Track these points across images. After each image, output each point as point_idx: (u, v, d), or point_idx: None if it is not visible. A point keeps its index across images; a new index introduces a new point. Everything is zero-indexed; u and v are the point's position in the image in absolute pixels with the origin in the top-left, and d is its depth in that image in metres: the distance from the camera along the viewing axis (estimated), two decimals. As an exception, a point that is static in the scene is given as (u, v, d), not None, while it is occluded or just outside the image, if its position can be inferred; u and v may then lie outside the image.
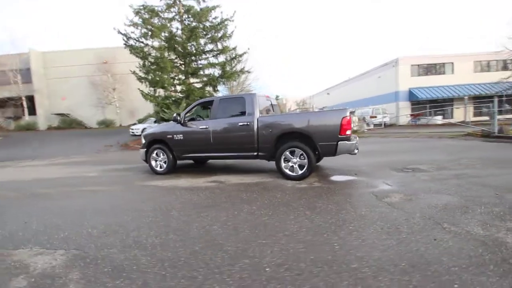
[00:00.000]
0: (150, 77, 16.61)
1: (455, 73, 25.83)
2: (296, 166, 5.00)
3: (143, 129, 20.59)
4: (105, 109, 29.55)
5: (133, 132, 20.32)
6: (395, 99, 25.99)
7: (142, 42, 17.01)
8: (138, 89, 16.80)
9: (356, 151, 4.87)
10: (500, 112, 22.21)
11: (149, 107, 25.46)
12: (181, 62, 17.85)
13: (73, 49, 30.19)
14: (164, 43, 15.70)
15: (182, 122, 5.90)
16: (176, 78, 18.03)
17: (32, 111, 29.37)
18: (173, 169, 6.26)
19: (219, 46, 17.65)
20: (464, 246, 2.24)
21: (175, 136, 5.95)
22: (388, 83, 26.66)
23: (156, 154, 6.30)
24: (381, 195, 3.83)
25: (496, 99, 10.87)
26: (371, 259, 2.10)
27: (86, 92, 29.29)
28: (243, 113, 5.41)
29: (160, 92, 17.90)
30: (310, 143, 4.89)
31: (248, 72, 19.89)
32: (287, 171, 5.06)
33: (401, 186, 4.26)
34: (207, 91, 17.93)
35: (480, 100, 21.29)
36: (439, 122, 20.02)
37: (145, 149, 6.40)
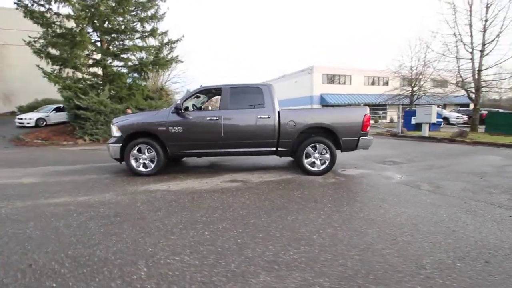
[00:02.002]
0: (58, 53, 12.89)
1: (352, 84, 31.49)
2: (317, 161, 4.97)
3: (38, 119, 15.83)
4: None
5: (21, 123, 15.31)
6: (310, 102, 29.46)
7: (44, 6, 12.99)
8: (38, 66, 12.76)
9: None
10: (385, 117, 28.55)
11: (34, 91, 19.83)
12: (100, 40, 14.62)
13: None
14: (82, 12, 12.42)
15: (181, 111, 4.85)
16: (92, 57, 14.68)
17: None
18: (162, 169, 5.09)
19: (147, 28, 15.44)
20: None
21: (171, 128, 4.84)
22: (304, 88, 29.95)
23: (139, 150, 4.97)
24: (411, 184, 4.29)
25: (400, 107, 13.93)
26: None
27: None
28: (260, 105, 4.95)
29: (69, 73, 14.19)
30: (333, 138, 4.96)
31: (181, 61, 18.25)
32: (308, 166, 4.97)
33: (411, 175, 4.90)
34: (135, 77, 15.42)
35: (372, 107, 26.74)
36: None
37: (121, 145, 4.93)
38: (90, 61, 14.68)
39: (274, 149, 4.99)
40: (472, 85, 14.31)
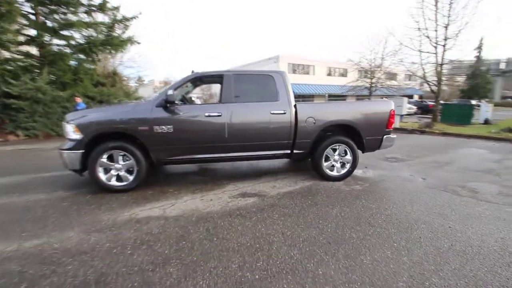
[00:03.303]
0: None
1: (315, 74, 31.81)
2: (337, 164, 4.24)
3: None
4: None
5: None
6: (276, 92, 28.92)
7: None
8: None
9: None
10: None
11: None
12: (34, 12, 11.73)
13: None
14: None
15: (171, 104, 3.61)
16: (23, 34, 11.76)
17: None
18: (143, 181, 3.82)
19: (95, 1, 12.92)
20: None
21: (156, 127, 3.59)
22: (270, 76, 29.22)
23: (110, 158, 3.63)
24: (445, 189, 3.82)
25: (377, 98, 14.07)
26: None
27: None
28: (273, 98, 3.97)
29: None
30: (355, 137, 4.25)
31: (138, 42, 15.88)
32: (328, 171, 4.21)
33: (430, 176, 4.48)
34: (80, 59, 12.89)
35: (334, 98, 27.37)
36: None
37: (82, 151, 3.53)
38: (22, 38, 11.73)
39: (289, 151, 4.10)
40: (435, 78, 15.10)
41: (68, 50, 12.64)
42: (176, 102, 3.69)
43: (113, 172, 3.67)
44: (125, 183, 3.70)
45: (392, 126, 4.35)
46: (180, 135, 3.69)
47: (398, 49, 21.32)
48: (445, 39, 14.45)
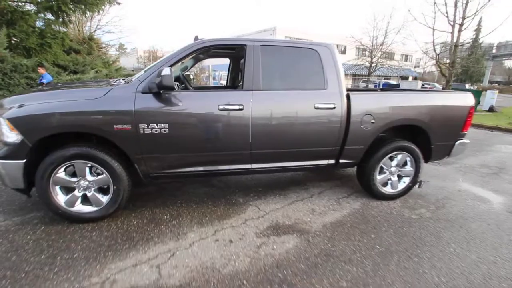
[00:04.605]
0: None
1: (313, 50, 29.94)
2: (393, 177, 3.13)
3: None
4: None
5: None
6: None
7: None
8: None
9: None
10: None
11: None
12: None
13: None
14: None
15: (165, 90, 2.28)
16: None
17: None
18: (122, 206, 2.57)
19: None
20: None
21: (143, 126, 2.27)
22: (265, 51, 27.22)
23: (71, 172, 2.34)
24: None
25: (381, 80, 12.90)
26: None
27: None
28: (318, 84, 2.70)
29: None
30: (419, 141, 3.11)
31: (118, 3, 13.55)
32: (382, 187, 3.10)
33: (499, 191, 3.48)
34: (48, 20, 10.79)
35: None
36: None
37: (24, 160, 2.20)
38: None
39: (333, 161, 2.92)
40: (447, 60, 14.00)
41: (31, 8, 10.46)
42: (176, 88, 2.37)
43: (77, 192, 2.39)
44: (96, 208, 2.44)
45: (468, 129, 3.21)
46: (179, 139, 2.41)
47: (402, 26, 19.90)
48: (463, 18, 13.16)
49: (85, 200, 2.44)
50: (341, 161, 2.92)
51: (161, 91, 2.28)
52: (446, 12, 12.95)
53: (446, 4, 12.88)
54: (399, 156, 3.06)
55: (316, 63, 2.70)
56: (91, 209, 2.44)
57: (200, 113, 2.43)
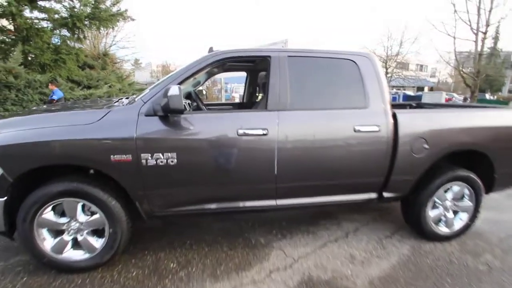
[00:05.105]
0: None
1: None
2: (449, 214, 2.56)
3: None
4: None
5: None
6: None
7: None
8: None
9: None
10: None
11: None
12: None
13: None
14: None
15: (174, 113, 1.86)
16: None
17: None
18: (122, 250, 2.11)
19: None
20: None
21: (146, 156, 1.85)
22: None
23: (59, 211, 1.92)
24: None
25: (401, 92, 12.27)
26: None
27: None
28: (358, 101, 2.22)
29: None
30: (478, 169, 2.55)
31: (132, 19, 13.67)
32: (434, 226, 2.53)
33: None
34: (63, 36, 10.93)
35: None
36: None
37: (4, 198, 1.81)
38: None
39: (375, 195, 2.39)
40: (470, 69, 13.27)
41: (47, 25, 10.63)
42: (186, 107, 1.96)
43: (66, 236, 1.96)
44: (87, 255, 2.00)
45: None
46: (190, 171, 1.97)
47: (417, 35, 19.33)
48: (487, 25, 12.51)
49: (76, 244, 2.01)
50: (385, 194, 2.39)
51: (167, 113, 1.86)
52: (469, 20, 12.35)
53: (468, 12, 12.30)
54: (456, 188, 2.50)
55: (354, 76, 2.23)
56: (83, 256, 2.00)
57: (215, 140, 1.98)
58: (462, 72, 13.48)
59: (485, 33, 12.54)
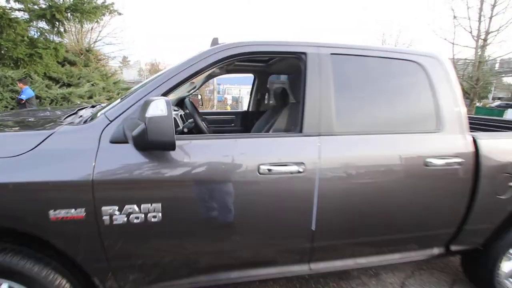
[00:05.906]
0: None
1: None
2: (525, 270, 1.93)
3: None
4: None
5: None
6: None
7: None
8: None
9: None
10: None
11: None
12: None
13: None
14: None
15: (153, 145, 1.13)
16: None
17: None
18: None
19: None
20: None
21: (109, 211, 1.12)
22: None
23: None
24: None
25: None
26: None
27: None
28: (428, 121, 1.55)
29: None
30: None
31: (119, 13, 12.63)
32: (507, 283, 1.90)
33: None
34: (41, 29, 9.94)
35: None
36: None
37: None
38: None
39: (442, 249, 1.73)
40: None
41: (22, 16, 9.60)
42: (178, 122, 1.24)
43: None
44: None
45: None
46: (184, 229, 1.25)
47: (411, 41, 19.23)
48: (487, 32, 12.32)
49: None
50: (452, 248, 1.73)
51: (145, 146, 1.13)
52: (470, 27, 12.11)
53: (469, 18, 12.07)
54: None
55: (421, 85, 1.57)
56: None
57: (225, 181, 1.27)
58: (461, 79, 13.26)
59: (485, 40, 12.35)
